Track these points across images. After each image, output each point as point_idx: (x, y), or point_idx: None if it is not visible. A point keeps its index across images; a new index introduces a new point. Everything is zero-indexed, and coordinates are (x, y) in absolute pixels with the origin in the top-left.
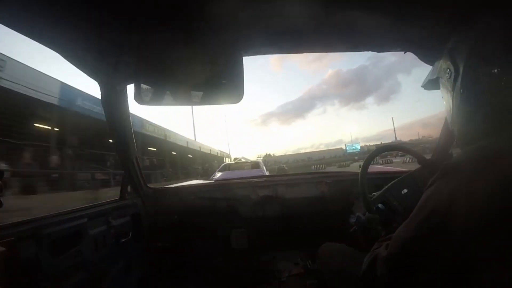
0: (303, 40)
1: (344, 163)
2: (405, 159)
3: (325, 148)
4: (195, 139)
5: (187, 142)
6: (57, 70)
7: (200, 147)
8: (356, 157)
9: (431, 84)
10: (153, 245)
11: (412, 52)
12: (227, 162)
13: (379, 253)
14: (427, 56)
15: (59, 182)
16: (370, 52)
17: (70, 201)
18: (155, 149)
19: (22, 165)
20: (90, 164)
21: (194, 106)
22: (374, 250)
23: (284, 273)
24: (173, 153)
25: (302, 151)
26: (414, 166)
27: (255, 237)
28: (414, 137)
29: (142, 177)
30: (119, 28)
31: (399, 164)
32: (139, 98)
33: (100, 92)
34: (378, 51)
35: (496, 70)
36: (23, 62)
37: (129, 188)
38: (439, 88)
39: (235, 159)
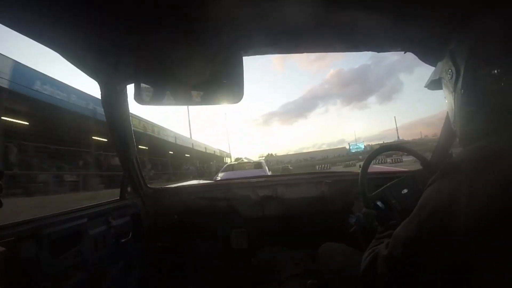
0: (303, 40)
1: (350, 162)
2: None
3: (327, 148)
4: (191, 136)
5: (175, 138)
6: (57, 70)
7: (193, 144)
8: (360, 157)
9: (434, 84)
10: (153, 245)
11: (412, 52)
12: (227, 162)
13: (380, 252)
14: (427, 56)
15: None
16: (372, 52)
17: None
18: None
19: None
20: (56, 162)
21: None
22: (372, 247)
23: (284, 273)
24: (159, 150)
25: (304, 150)
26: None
27: (255, 237)
28: (416, 137)
29: (142, 177)
30: (119, 28)
31: (411, 163)
32: (139, 98)
33: (100, 92)
34: (378, 51)
35: (496, 71)
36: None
37: (129, 188)
38: (441, 89)
39: (236, 159)
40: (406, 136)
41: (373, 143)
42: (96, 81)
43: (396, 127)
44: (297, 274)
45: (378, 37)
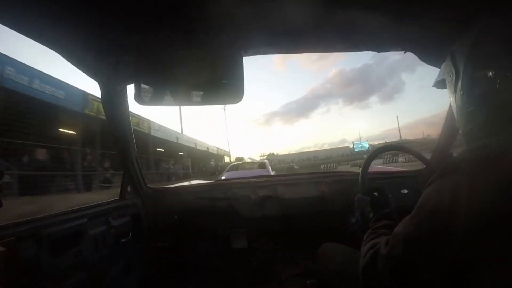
0: (303, 40)
1: (358, 162)
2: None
3: (329, 147)
4: (182, 131)
5: (149, 128)
6: (58, 70)
7: (178, 138)
8: (365, 156)
9: (440, 84)
10: (153, 245)
11: (412, 52)
12: (226, 161)
13: (380, 249)
14: (427, 56)
15: None
16: (372, 52)
17: None
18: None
19: None
20: None
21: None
22: (371, 241)
23: (284, 273)
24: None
25: (305, 150)
26: None
27: (255, 237)
28: (419, 136)
29: (142, 177)
30: (119, 28)
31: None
32: (139, 98)
33: (100, 92)
34: (378, 51)
35: (492, 72)
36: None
37: (129, 188)
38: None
39: (237, 158)
40: (408, 135)
41: (375, 142)
42: (96, 81)
43: (399, 127)
44: (297, 274)
45: (378, 37)
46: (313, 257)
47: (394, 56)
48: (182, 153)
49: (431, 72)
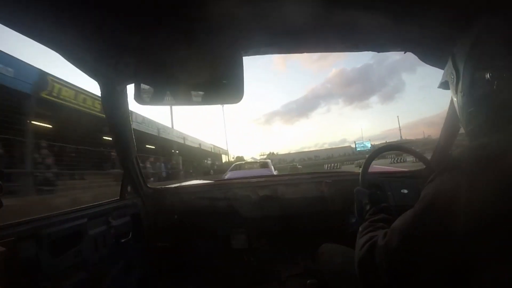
0: (303, 40)
1: (361, 162)
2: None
3: (329, 147)
4: (172, 126)
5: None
6: (58, 70)
7: (159, 130)
8: (367, 156)
9: (444, 86)
10: (153, 245)
11: (412, 52)
12: (224, 160)
13: (377, 242)
14: (427, 56)
15: None
16: (372, 52)
17: None
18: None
19: None
20: None
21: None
22: (368, 233)
23: (284, 273)
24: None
25: (305, 150)
26: None
27: (255, 237)
28: (419, 136)
29: (142, 177)
30: (119, 28)
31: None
32: (139, 98)
33: (100, 92)
34: (378, 51)
35: (491, 73)
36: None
37: (129, 188)
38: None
39: (237, 158)
40: (409, 135)
41: (376, 142)
42: (96, 81)
43: (399, 127)
44: (297, 274)
45: (378, 37)
46: (313, 257)
47: (395, 56)
48: (173, 150)
49: (432, 73)
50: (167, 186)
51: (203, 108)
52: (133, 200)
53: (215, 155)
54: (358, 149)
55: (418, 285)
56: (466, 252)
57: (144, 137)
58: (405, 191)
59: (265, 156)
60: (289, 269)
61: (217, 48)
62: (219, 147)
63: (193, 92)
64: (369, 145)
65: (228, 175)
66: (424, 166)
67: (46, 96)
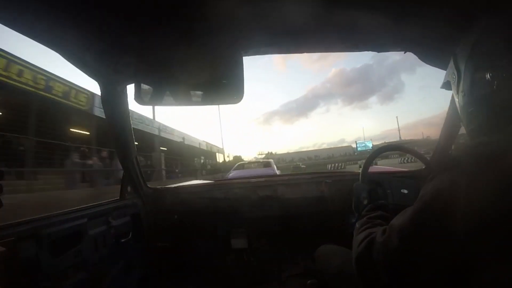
0: (303, 40)
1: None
2: None
3: (327, 147)
4: (154, 117)
5: (90, 104)
6: (58, 70)
7: (131, 116)
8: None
9: (446, 86)
10: (153, 245)
11: (412, 52)
12: (219, 159)
13: (376, 238)
14: (427, 56)
15: None
16: (372, 52)
17: None
18: None
19: None
20: None
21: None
22: (367, 229)
23: (284, 273)
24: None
25: (304, 149)
26: None
27: (255, 237)
28: (418, 137)
29: (142, 177)
30: (119, 28)
31: None
32: (139, 98)
33: (100, 92)
34: (379, 51)
35: (492, 73)
36: None
37: (129, 188)
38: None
39: (235, 157)
40: (408, 136)
41: (375, 143)
42: (96, 81)
43: (398, 127)
44: (297, 274)
45: (378, 37)
46: (312, 258)
47: (394, 57)
48: (162, 147)
49: (431, 73)
50: (167, 186)
51: (200, 106)
52: (133, 200)
53: (208, 153)
54: (359, 149)
55: (417, 284)
56: (466, 252)
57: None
58: (405, 191)
59: (263, 156)
60: (289, 269)
61: (217, 48)
62: (212, 145)
63: (193, 92)
64: (370, 145)
65: (232, 174)
66: (424, 166)
67: None
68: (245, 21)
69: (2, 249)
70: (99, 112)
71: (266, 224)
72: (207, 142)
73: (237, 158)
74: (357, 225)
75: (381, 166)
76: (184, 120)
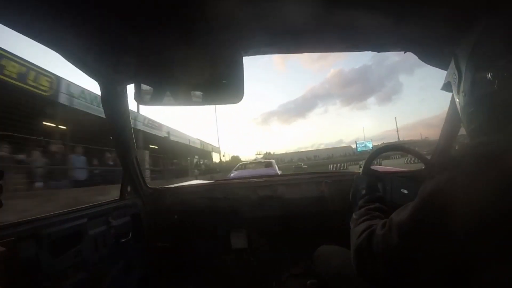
0: (303, 40)
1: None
2: None
3: (326, 147)
4: (138, 111)
5: (54, 89)
6: (58, 70)
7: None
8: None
9: (447, 87)
10: (153, 245)
11: (412, 52)
12: (215, 159)
13: (376, 230)
14: (427, 56)
15: None
16: (372, 52)
17: None
18: None
19: None
20: None
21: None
22: (366, 220)
23: (284, 273)
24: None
25: (302, 150)
26: None
27: (255, 237)
28: (417, 138)
29: (142, 177)
30: (119, 28)
31: None
32: (139, 98)
33: (100, 92)
34: (379, 51)
35: (492, 73)
36: None
37: (129, 188)
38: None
39: (232, 157)
40: (407, 137)
41: (374, 143)
42: (96, 81)
43: (397, 128)
44: (297, 274)
45: (378, 37)
46: (312, 258)
47: (393, 58)
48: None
49: (430, 74)
50: (167, 186)
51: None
52: (133, 200)
53: (203, 152)
54: (359, 149)
55: (415, 280)
56: (466, 252)
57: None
58: (405, 191)
59: (261, 156)
60: (289, 269)
61: (217, 48)
62: (207, 143)
63: (193, 92)
64: (370, 145)
65: (234, 173)
66: (424, 167)
67: None
68: (245, 21)
69: (2, 249)
70: (66, 99)
71: (266, 224)
72: (201, 140)
73: (235, 158)
74: (354, 216)
75: (385, 166)
76: (183, 121)
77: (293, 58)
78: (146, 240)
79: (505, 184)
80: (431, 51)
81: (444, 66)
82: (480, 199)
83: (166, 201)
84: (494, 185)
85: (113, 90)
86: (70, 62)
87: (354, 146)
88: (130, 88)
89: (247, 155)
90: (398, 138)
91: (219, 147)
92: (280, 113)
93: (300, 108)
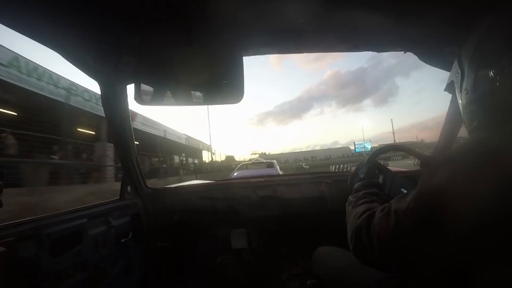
0: (303, 40)
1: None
2: None
3: (322, 148)
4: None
5: None
6: (58, 69)
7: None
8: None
9: (450, 87)
10: (153, 245)
11: (413, 52)
12: (204, 155)
13: (376, 212)
14: (427, 56)
15: None
16: (369, 54)
17: None
18: None
19: None
20: None
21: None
22: (365, 204)
23: (284, 273)
24: None
25: (297, 150)
26: None
27: (255, 237)
28: (413, 140)
29: (142, 177)
30: (119, 28)
31: None
32: (139, 98)
33: (100, 92)
34: (379, 51)
35: (494, 71)
36: None
37: (129, 188)
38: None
39: (227, 157)
40: (402, 139)
41: (371, 145)
42: (96, 81)
43: (393, 130)
44: (297, 274)
45: (378, 37)
46: (311, 259)
47: (389, 60)
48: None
49: (425, 77)
50: (167, 186)
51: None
52: (133, 200)
53: (190, 149)
54: (357, 150)
55: (417, 285)
56: (465, 250)
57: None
58: (405, 191)
59: (257, 155)
60: (289, 269)
61: (217, 48)
62: (197, 140)
63: (193, 92)
64: (369, 147)
65: (235, 173)
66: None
67: None
68: (245, 21)
69: (2, 249)
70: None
71: (266, 224)
72: (188, 136)
73: (230, 158)
74: (351, 199)
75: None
76: (174, 117)
77: (289, 58)
78: (146, 240)
79: (505, 184)
80: (431, 51)
81: (444, 66)
82: (480, 198)
83: (166, 201)
84: (495, 184)
85: (113, 90)
86: (70, 62)
87: (351, 147)
88: (130, 88)
89: (242, 155)
90: (394, 140)
91: (210, 145)
92: (276, 114)
93: (296, 109)
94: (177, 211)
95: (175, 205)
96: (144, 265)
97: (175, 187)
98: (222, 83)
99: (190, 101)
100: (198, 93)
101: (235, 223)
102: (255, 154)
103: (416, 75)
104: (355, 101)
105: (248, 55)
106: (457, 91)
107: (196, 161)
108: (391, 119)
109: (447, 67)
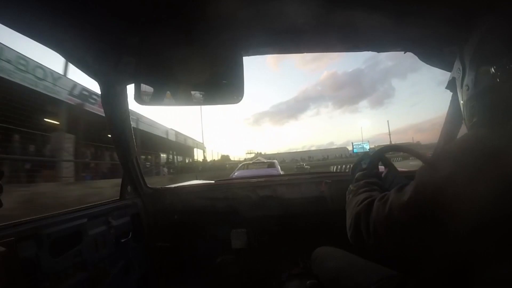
0: (303, 40)
1: None
2: None
3: (318, 149)
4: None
5: None
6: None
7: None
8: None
9: (451, 84)
10: (153, 245)
11: (413, 52)
12: (196, 153)
13: (375, 200)
14: (427, 56)
15: None
16: (366, 55)
17: None
18: None
19: None
20: None
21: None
22: (366, 192)
23: (284, 273)
24: None
25: (293, 151)
26: None
27: (255, 237)
28: (409, 141)
29: (142, 177)
30: (119, 28)
31: None
32: (139, 98)
33: (100, 92)
34: (379, 51)
35: (494, 69)
36: None
37: (129, 188)
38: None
39: (222, 156)
40: (398, 140)
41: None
42: (96, 81)
43: (389, 131)
44: (297, 274)
45: (378, 37)
46: (310, 260)
47: (386, 62)
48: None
49: (422, 79)
50: (167, 186)
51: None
52: (133, 200)
53: (180, 146)
54: (355, 150)
55: (417, 284)
56: (464, 249)
57: None
58: None
59: (252, 155)
60: (289, 269)
61: (217, 48)
62: (188, 137)
63: (193, 92)
64: (367, 147)
65: (236, 173)
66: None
67: None
68: (245, 21)
69: (2, 249)
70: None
71: (266, 224)
72: (177, 131)
73: (225, 158)
74: (352, 187)
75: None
76: (169, 116)
77: (287, 59)
78: (146, 240)
79: (505, 184)
80: (431, 51)
81: (444, 66)
82: (480, 198)
83: (166, 201)
84: (494, 184)
85: (113, 90)
86: (70, 62)
87: (349, 147)
88: (130, 88)
89: (237, 154)
90: (390, 141)
91: (202, 143)
92: (272, 114)
93: (292, 109)
94: (177, 211)
95: (175, 205)
96: (144, 265)
97: (175, 187)
98: (222, 83)
99: (190, 101)
100: (198, 93)
101: (235, 223)
102: (250, 153)
103: (413, 77)
104: (351, 102)
105: (248, 55)
106: (458, 88)
107: (180, 159)
108: (387, 121)
109: (447, 67)
